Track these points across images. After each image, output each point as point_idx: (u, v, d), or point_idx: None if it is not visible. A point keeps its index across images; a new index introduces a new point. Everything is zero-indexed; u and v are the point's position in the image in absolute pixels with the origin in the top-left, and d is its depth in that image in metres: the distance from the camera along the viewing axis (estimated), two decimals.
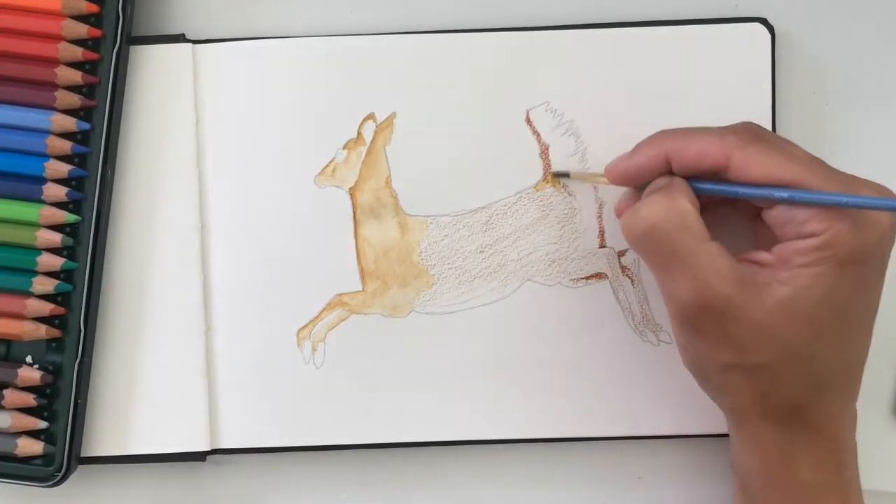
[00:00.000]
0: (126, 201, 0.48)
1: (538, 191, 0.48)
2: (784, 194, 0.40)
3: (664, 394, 0.48)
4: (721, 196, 0.42)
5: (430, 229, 0.48)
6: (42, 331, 0.47)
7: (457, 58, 0.48)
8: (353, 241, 0.48)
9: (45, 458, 0.47)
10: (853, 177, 0.40)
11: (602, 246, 0.48)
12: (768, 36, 0.48)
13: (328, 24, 0.49)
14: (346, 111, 0.48)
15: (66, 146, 0.47)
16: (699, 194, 0.42)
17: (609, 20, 0.48)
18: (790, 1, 0.49)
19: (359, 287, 0.48)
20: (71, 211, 0.47)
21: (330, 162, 0.48)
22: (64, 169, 0.47)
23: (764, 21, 0.48)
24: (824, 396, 0.41)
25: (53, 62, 0.47)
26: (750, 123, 0.42)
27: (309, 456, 0.49)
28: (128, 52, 0.48)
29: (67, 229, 0.47)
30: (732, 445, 0.44)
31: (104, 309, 0.48)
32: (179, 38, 0.48)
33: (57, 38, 0.47)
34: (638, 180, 0.43)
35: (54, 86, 0.47)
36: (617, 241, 0.48)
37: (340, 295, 0.48)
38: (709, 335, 0.41)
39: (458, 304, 0.48)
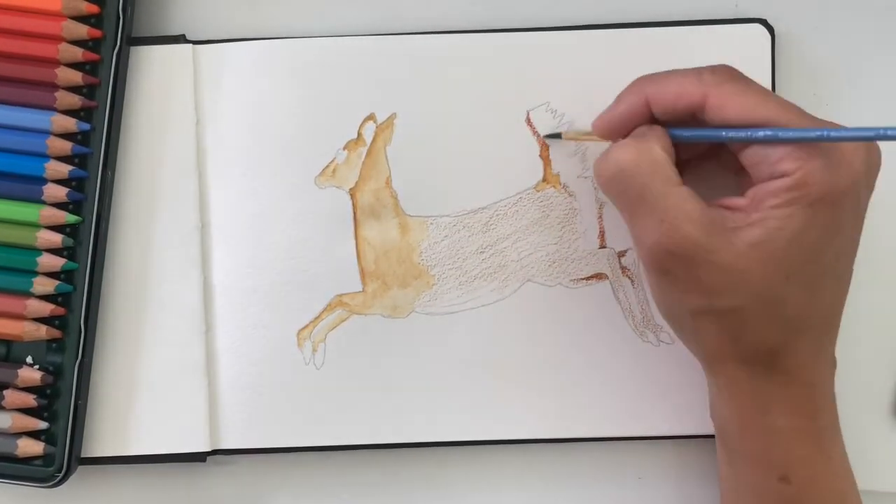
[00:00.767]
0: (126, 202, 0.48)
1: (538, 191, 0.48)
2: (766, 133, 0.40)
3: (664, 394, 0.48)
4: (704, 143, 0.42)
5: (431, 230, 0.48)
6: (42, 331, 0.47)
7: (457, 58, 0.48)
8: (354, 241, 0.48)
9: (46, 459, 0.47)
10: (826, 121, 0.40)
11: (602, 246, 0.48)
12: (768, 36, 0.48)
13: (328, 25, 0.49)
14: (346, 111, 0.48)
15: (66, 147, 0.47)
16: (681, 142, 0.42)
17: (609, 21, 0.48)
18: (790, 1, 0.49)
19: (359, 287, 0.48)
20: (71, 211, 0.47)
21: (330, 162, 0.48)
22: (64, 169, 0.47)
23: (764, 21, 0.48)
24: (797, 342, 0.41)
25: (54, 63, 0.47)
26: (727, 65, 0.42)
27: (309, 456, 0.49)
28: (128, 52, 0.48)
29: (68, 230, 0.47)
30: (710, 396, 0.44)
31: (104, 309, 0.48)
32: (180, 39, 0.48)
33: (57, 38, 0.47)
34: (623, 130, 0.43)
35: (54, 86, 0.47)
36: (617, 241, 0.48)
37: (341, 295, 0.48)
38: (678, 279, 0.41)
39: (459, 304, 0.48)
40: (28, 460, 0.47)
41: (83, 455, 0.48)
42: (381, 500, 0.50)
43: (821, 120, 0.40)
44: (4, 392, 0.46)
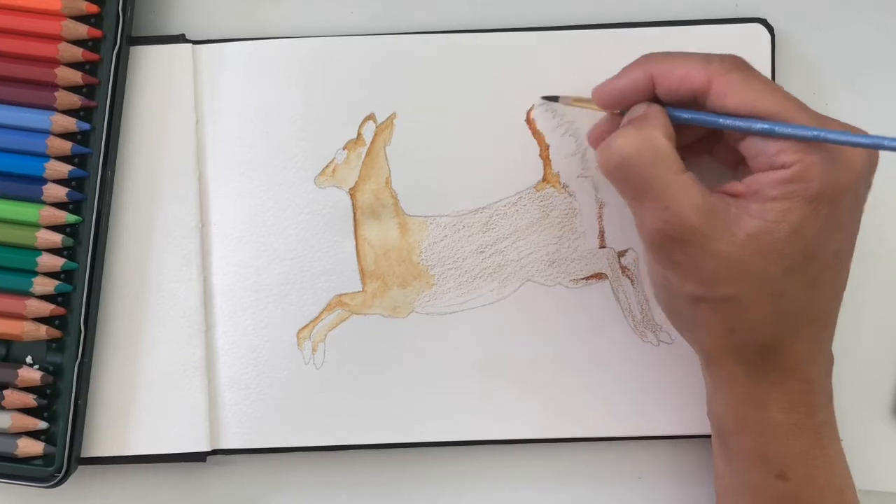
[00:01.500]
0: (126, 201, 0.48)
1: (538, 191, 0.48)
2: (762, 126, 0.40)
3: (664, 394, 0.48)
4: (701, 126, 0.42)
5: (431, 229, 0.48)
6: (42, 331, 0.47)
7: (457, 58, 0.48)
8: (354, 241, 0.48)
9: (46, 459, 0.47)
10: (827, 116, 0.41)
11: (602, 246, 0.48)
12: (768, 36, 0.48)
13: (328, 25, 0.49)
14: (346, 111, 0.48)
15: (66, 146, 0.47)
16: (678, 124, 0.42)
17: (609, 20, 0.48)
18: (790, 1, 0.49)
19: (359, 287, 0.48)
20: (71, 211, 0.47)
21: (330, 162, 0.48)
22: (64, 169, 0.47)
23: (764, 21, 0.48)
24: (795, 336, 0.41)
25: (54, 62, 0.47)
26: (735, 55, 0.42)
27: (309, 456, 0.49)
28: (128, 52, 0.48)
29: (68, 230, 0.47)
30: (707, 393, 0.44)
31: (104, 309, 0.48)
32: (179, 39, 0.48)
33: (57, 38, 0.47)
34: (623, 102, 0.43)
35: (54, 86, 0.47)
36: (617, 241, 0.48)
37: (341, 295, 0.48)
38: (678, 266, 0.41)
39: (459, 304, 0.48)
40: (28, 460, 0.47)
41: (83, 455, 0.48)
42: (380, 500, 0.50)
43: (822, 116, 0.40)
44: (4, 392, 0.46)
